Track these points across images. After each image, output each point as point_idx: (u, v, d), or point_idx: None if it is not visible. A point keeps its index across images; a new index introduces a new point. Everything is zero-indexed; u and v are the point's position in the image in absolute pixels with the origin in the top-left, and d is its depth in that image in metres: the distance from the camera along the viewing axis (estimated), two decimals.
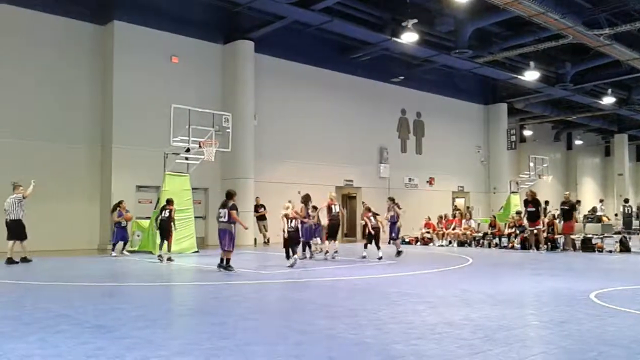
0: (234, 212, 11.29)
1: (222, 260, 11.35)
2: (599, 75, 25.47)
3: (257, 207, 20.18)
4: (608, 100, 27.50)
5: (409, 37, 19.60)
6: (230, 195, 11.70)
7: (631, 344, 5.26)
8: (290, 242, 12.13)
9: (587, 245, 17.08)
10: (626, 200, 24.17)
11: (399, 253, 14.89)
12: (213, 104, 18.96)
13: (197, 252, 16.19)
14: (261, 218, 20.21)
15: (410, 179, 26.69)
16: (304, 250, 14.41)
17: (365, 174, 24.79)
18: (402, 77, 25.28)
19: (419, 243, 21.79)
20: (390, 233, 15.91)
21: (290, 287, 9.66)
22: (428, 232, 22.20)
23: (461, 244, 20.54)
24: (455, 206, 26.98)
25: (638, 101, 29.82)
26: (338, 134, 23.69)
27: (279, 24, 19.78)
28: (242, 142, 19.52)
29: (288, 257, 12.04)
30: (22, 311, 7.04)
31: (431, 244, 21.52)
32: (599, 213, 22.77)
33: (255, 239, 20.10)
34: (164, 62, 19.03)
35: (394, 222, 15.74)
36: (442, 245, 20.81)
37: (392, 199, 16.34)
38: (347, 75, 23.89)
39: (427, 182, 27.50)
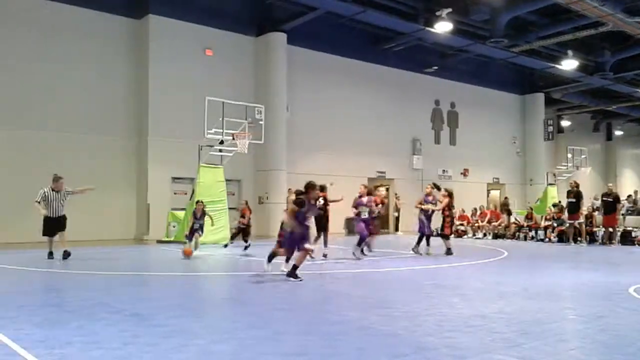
0: (288, 210, 9.20)
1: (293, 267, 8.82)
2: (639, 64, 24.68)
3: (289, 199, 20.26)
4: None
5: (442, 27, 19.33)
6: (305, 189, 9.01)
7: None
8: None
9: (627, 239, 16.63)
10: None
11: (448, 251, 13.33)
12: (246, 96, 19.11)
13: (230, 243, 16.35)
14: None
15: (444, 171, 26.40)
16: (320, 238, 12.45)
17: (398, 166, 24.64)
18: (435, 67, 24.97)
19: (452, 235, 21.55)
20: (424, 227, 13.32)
21: (324, 278, 9.69)
22: (462, 225, 21.98)
23: (496, 236, 20.27)
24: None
25: None
26: (370, 125, 23.58)
27: (311, 15, 19.76)
28: (275, 134, 19.61)
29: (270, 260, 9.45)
30: (63, 299, 7.26)
31: (465, 237, 21.31)
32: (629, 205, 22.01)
33: None
34: (198, 54, 19.24)
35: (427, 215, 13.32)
36: (477, 238, 20.59)
37: (435, 185, 13.79)
38: (380, 66, 23.71)
39: (461, 173, 27.15)
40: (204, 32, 19.34)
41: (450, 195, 13.31)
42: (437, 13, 19.01)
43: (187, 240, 12.90)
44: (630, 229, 17.30)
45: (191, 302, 7.14)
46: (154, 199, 18.02)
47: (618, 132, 37.60)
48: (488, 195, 28.66)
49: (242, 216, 14.21)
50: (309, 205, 8.77)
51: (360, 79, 23.26)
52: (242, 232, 14.12)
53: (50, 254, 11.67)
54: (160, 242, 16.79)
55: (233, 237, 14.67)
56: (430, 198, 13.37)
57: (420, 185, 25.26)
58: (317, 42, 21.73)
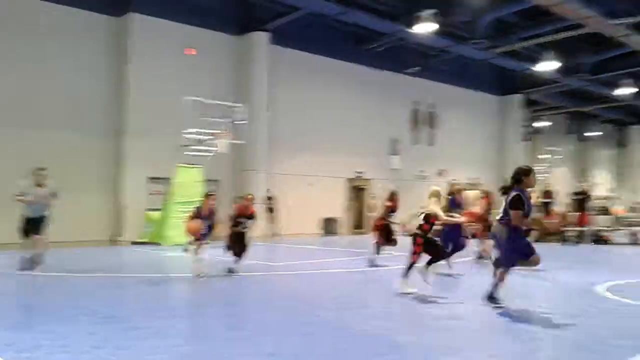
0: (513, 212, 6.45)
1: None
2: (617, 66, 25.06)
3: (268, 199, 20.23)
4: (625, 90, 27.06)
5: (424, 27, 19.39)
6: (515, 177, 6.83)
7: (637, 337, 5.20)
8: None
9: (598, 238, 16.91)
10: None
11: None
12: (227, 95, 18.95)
13: (207, 244, 16.22)
14: (271, 210, 20.28)
15: (421, 171, 26.54)
16: None
17: (377, 166, 24.70)
18: (417, 68, 25.08)
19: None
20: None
21: (300, 279, 9.69)
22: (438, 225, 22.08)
23: (472, 236, 20.41)
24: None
25: None
26: (350, 125, 23.60)
27: (294, 15, 19.69)
28: (256, 134, 19.53)
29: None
30: (34, 302, 7.14)
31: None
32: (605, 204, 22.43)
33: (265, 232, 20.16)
34: (179, 53, 19.03)
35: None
36: None
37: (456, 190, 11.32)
38: (362, 66, 23.73)
39: (438, 173, 27.30)
40: (186, 30, 19.15)
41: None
42: (419, 14, 19.09)
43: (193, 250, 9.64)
44: (601, 228, 17.60)
45: (167, 304, 7.08)
46: (129, 200, 17.81)
47: (592, 133, 38.20)
48: (466, 196, 28.84)
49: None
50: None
51: (341, 79, 23.26)
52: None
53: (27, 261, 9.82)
54: (135, 243, 16.59)
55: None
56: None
57: (397, 185, 25.35)
58: (300, 41, 21.67)
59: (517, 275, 9.87)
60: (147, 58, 18.26)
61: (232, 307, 6.82)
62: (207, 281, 8.93)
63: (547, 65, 22.70)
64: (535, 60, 23.42)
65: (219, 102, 16.77)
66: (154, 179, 18.35)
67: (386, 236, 11.23)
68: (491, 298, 6.44)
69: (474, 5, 19.34)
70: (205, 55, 19.54)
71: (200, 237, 9.36)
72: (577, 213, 17.15)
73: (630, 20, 18.10)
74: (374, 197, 23.96)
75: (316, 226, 22.17)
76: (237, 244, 9.63)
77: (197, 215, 9.35)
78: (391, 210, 11.39)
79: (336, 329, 5.51)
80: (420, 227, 7.67)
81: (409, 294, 7.26)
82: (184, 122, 15.72)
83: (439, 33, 20.26)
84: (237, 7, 20.37)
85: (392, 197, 11.45)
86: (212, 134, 16.35)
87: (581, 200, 17.19)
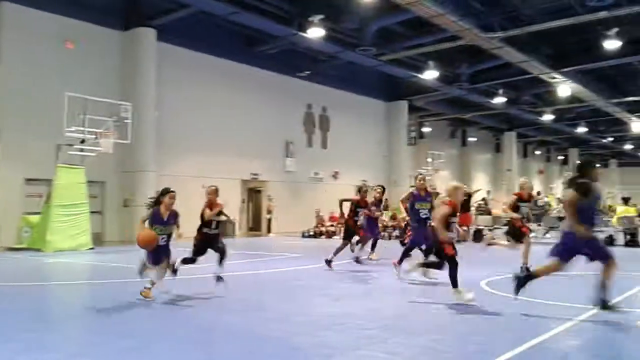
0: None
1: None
2: (492, 76, 27.01)
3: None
4: (499, 99, 29.27)
5: (315, 32, 19.74)
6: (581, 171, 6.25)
7: (516, 327, 5.63)
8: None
9: (478, 236, 18.13)
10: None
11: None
12: (112, 93, 18.03)
13: (92, 249, 15.40)
14: None
15: (315, 173, 26.98)
16: None
17: (271, 168, 24.75)
18: (308, 72, 25.44)
19: (323, 236, 22.15)
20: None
21: (196, 282, 9.44)
22: (332, 225, 22.63)
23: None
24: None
25: (526, 101, 31.99)
26: (244, 127, 23.43)
27: (183, 12, 19.18)
28: (143, 134, 18.79)
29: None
30: None
31: (335, 237, 21.92)
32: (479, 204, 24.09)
33: None
34: (57, 47, 17.83)
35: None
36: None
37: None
38: (254, 68, 23.65)
39: (332, 176, 27.92)
40: (65, 22, 17.96)
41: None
42: (310, 18, 19.37)
43: (149, 267, 7.58)
44: (482, 227, 18.91)
45: (50, 314, 6.60)
46: (4, 203, 16.40)
47: (472, 139, 40.96)
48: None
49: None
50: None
51: (234, 80, 23.02)
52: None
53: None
54: (11, 249, 15.32)
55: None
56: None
57: (292, 187, 25.61)
58: (190, 40, 21.13)
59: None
60: (22, 50, 16.94)
61: (124, 314, 6.50)
62: (94, 287, 8.43)
63: (429, 74, 23.99)
64: (419, 68, 24.67)
65: (103, 100, 15.94)
66: (31, 181, 17.03)
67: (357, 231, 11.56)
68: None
69: (362, 13, 19.97)
70: (87, 50, 18.48)
71: (158, 250, 7.31)
72: (461, 214, 18.26)
73: (502, 34, 19.58)
74: (271, 198, 24.12)
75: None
76: (206, 249, 8.20)
77: (153, 220, 7.34)
78: (359, 205, 11.61)
79: (234, 333, 5.43)
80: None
81: (470, 301, 6.71)
82: (65, 120, 14.76)
83: (328, 39, 20.72)
84: (121, 1, 19.48)
85: (360, 192, 11.91)
86: (95, 133, 15.50)
87: (464, 201, 18.32)
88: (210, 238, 8.14)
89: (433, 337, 5.32)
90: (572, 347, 5.13)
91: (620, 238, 16.99)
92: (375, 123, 30.68)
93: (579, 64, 23.35)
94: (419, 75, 24.99)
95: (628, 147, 46.16)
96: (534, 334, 5.22)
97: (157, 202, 7.51)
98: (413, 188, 10.33)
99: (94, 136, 15.47)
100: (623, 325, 5.85)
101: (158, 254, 7.34)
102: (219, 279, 8.02)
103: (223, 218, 8.34)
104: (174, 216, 7.53)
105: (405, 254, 9.48)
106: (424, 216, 9.55)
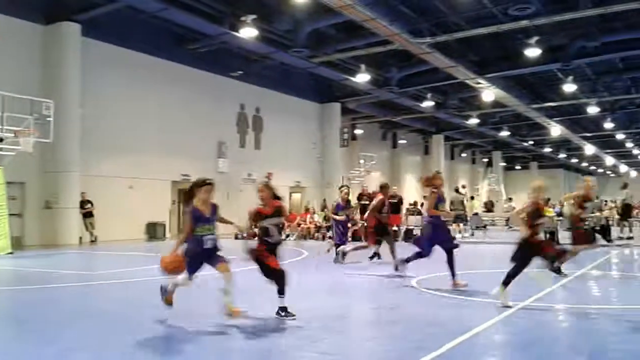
0: None
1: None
2: (421, 81, 27.73)
3: (83, 203, 18.75)
4: (428, 103, 30.09)
5: (247, 32, 19.54)
6: None
7: (448, 323, 5.79)
8: None
9: (409, 236, 18.59)
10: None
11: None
12: (33, 89, 17.08)
13: (11, 253, 14.54)
14: (87, 215, 18.84)
15: (249, 174, 26.73)
16: None
17: (203, 169, 24.24)
18: (241, 72, 25.16)
19: (256, 238, 21.96)
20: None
21: (126, 286, 9.10)
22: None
23: (303, 237, 21.14)
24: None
25: (453, 105, 33.09)
26: (175, 126, 22.85)
27: (109, 8, 18.47)
28: (66, 132, 17.93)
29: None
30: None
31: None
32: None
33: (80, 238, 18.64)
34: None
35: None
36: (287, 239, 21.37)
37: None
38: (185, 66, 23.10)
39: (266, 177, 27.75)
40: None
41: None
42: (243, 18, 19.14)
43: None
44: (412, 227, 19.41)
45: None
46: None
47: (402, 141, 41.94)
48: (290, 198, 29.75)
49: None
50: None
51: (164, 78, 22.39)
52: None
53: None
54: None
55: None
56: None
57: (225, 188, 25.20)
58: (118, 36, 20.35)
59: (340, 273, 10.41)
60: None
61: (46, 321, 6.15)
62: (13, 294, 7.95)
63: (361, 77, 24.35)
64: (351, 71, 24.97)
65: (23, 97, 15.11)
66: None
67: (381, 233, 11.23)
68: None
69: (295, 15, 19.98)
70: (7, 45, 17.46)
71: (209, 255, 6.10)
72: (391, 214, 18.67)
73: (431, 40, 20.15)
74: None
75: (139, 231, 21.07)
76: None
77: (195, 219, 5.96)
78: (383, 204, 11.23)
79: (164, 339, 5.26)
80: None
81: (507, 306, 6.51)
82: None
83: (261, 39, 20.58)
84: None
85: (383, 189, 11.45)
86: (14, 132, 14.67)
87: (394, 203, 18.72)
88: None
89: (370, 336, 5.37)
90: (499, 341, 5.32)
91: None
92: (309, 125, 30.79)
93: (502, 71, 24.39)
94: (351, 78, 25.28)
95: (547, 150, 48.75)
96: (466, 329, 5.37)
97: (190, 196, 6.15)
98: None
99: (12, 134, 14.65)
100: (549, 319, 6.14)
101: (214, 260, 6.10)
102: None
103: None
104: (216, 208, 6.22)
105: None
106: None
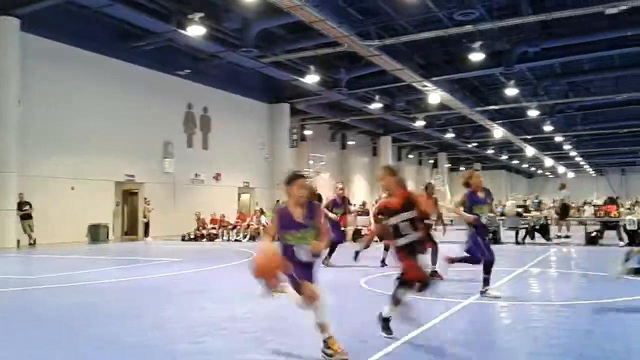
0: None
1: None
2: (369, 83, 28.07)
3: (21, 204, 18.01)
4: (376, 105, 30.50)
5: (195, 30, 19.25)
6: None
7: (395, 322, 5.88)
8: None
9: (359, 236, 18.81)
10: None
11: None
12: None
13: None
14: (26, 217, 18.11)
15: (196, 175, 26.34)
16: None
17: (149, 169, 23.75)
18: (188, 71, 24.76)
19: (204, 239, 21.71)
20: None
21: (68, 291, 8.79)
22: (214, 228, 22.28)
23: (252, 238, 21.00)
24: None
25: (400, 107, 33.63)
26: (119, 125, 22.25)
27: (50, 2, 17.81)
28: (3, 130, 17.22)
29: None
30: None
31: (217, 240, 21.61)
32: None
33: (18, 241, 17.90)
34: None
35: None
36: (238, 240, 21.18)
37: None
38: (130, 64, 22.55)
39: (214, 177, 27.44)
40: None
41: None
42: (190, 16, 18.85)
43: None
44: (361, 227, 19.67)
45: None
46: None
47: (351, 142, 42.32)
48: (239, 199, 29.52)
49: None
50: None
51: (108, 75, 21.78)
52: None
53: None
54: None
55: None
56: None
57: (172, 189, 24.75)
58: (59, 32, 19.64)
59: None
60: None
61: None
62: None
63: (310, 78, 24.43)
64: (300, 72, 24.99)
65: None
66: None
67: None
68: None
69: (244, 14, 19.83)
70: None
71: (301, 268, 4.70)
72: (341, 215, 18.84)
73: (379, 42, 20.43)
74: (148, 201, 23.08)
75: (81, 233, 20.42)
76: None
77: (281, 224, 4.76)
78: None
79: (107, 343, 5.12)
80: None
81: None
82: None
83: (209, 38, 20.32)
84: None
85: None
86: None
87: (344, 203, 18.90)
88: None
89: (317, 338, 5.38)
90: (447, 338, 5.44)
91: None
92: (258, 125, 30.63)
93: (447, 74, 24.98)
94: (301, 79, 25.31)
95: (490, 151, 50.27)
96: (413, 327, 5.46)
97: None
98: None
99: None
100: (493, 314, 6.33)
101: (307, 272, 4.71)
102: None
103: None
104: (315, 210, 4.82)
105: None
106: None
